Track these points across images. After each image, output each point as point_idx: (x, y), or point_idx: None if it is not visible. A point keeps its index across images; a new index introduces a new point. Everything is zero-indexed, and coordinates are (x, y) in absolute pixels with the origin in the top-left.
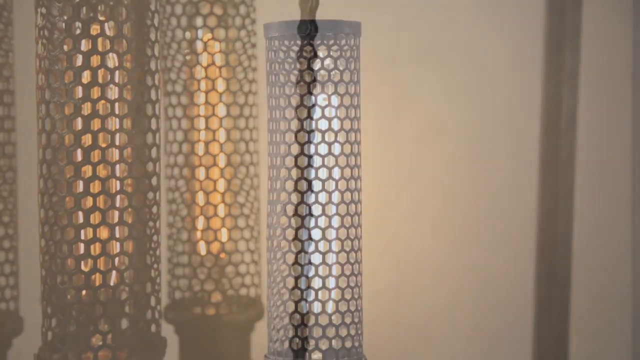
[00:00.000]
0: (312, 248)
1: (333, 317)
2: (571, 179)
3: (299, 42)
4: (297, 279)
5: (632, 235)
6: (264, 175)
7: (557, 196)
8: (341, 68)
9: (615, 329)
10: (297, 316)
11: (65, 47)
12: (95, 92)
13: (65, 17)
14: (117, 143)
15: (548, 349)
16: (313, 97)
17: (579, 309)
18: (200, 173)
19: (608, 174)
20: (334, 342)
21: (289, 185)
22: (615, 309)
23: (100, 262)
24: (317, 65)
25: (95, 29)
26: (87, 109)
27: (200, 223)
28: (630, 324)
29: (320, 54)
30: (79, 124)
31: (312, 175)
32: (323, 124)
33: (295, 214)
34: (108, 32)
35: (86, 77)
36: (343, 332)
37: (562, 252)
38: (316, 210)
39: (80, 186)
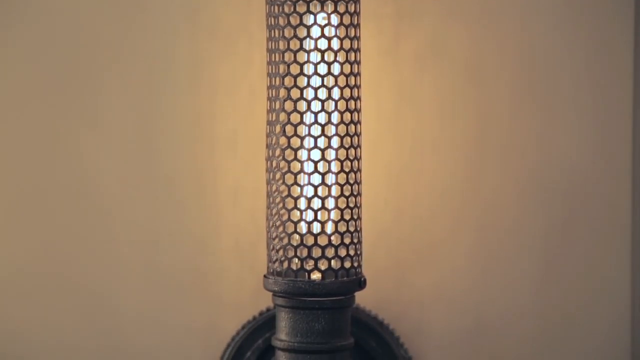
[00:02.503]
0: (311, 169)
1: (332, 238)
2: (573, 102)
3: None
4: (296, 199)
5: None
6: None
7: (555, 112)
8: None
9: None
10: (297, 237)
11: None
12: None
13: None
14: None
15: (551, 268)
16: (312, 16)
17: (577, 220)
18: None
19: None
20: (333, 262)
21: (288, 105)
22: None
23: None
24: None
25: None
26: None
27: None
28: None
29: None
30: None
31: (311, 95)
32: (322, 44)
33: (295, 134)
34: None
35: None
36: (342, 252)
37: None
38: (315, 130)
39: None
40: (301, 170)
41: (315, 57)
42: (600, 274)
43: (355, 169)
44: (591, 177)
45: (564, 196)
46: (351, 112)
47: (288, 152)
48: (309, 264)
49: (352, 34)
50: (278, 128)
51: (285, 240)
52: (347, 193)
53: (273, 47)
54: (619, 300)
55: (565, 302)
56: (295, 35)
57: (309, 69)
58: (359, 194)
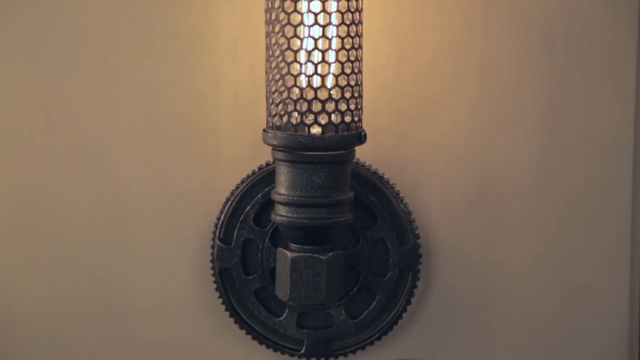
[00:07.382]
0: (311, 21)
1: (332, 92)
2: None
3: None
4: (295, 52)
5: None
6: None
7: None
8: None
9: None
10: (296, 90)
11: None
12: None
13: None
14: None
15: (554, 124)
16: None
17: (580, 71)
18: None
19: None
20: (333, 116)
21: None
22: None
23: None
24: None
25: None
26: None
27: None
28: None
29: None
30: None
31: None
32: None
33: None
34: None
35: None
36: (342, 106)
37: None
38: None
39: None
40: (301, 23)
41: None
42: (602, 120)
43: (356, 21)
44: (596, 28)
45: (566, 47)
46: None
47: (287, 3)
48: (309, 118)
49: None
50: None
51: (285, 94)
52: (347, 46)
53: None
54: (621, 153)
55: (568, 159)
56: None
57: None
58: (360, 46)
